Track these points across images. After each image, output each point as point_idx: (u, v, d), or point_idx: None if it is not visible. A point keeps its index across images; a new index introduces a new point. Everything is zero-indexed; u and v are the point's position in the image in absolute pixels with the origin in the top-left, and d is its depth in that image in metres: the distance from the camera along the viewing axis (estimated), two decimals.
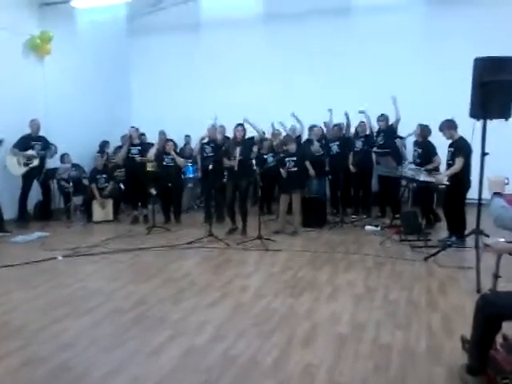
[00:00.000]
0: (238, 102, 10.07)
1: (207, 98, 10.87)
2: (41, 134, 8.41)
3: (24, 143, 8.09)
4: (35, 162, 8.07)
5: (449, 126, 6.15)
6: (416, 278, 5.01)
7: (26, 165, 7.99)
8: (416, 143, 7.34)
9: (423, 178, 6.30)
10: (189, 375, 3.01)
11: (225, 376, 2.99)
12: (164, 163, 8.20)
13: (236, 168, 7.05)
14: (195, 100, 11.05)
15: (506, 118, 4.88)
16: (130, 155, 8.37)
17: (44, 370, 3.09)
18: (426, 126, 7.12)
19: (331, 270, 5.33)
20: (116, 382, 2.93)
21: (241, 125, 7.24)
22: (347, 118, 8.65)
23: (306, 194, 8.00)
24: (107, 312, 4.13)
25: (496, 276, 3.17)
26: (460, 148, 6.08)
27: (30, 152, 8.04)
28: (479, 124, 4.96)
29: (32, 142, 8.20)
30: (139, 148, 8.41)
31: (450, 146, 6.27)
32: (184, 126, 10.45)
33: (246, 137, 7.42)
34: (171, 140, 8.53)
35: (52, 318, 3.99)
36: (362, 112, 8.40)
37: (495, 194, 2.72)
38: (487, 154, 5.00)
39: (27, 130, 8.26)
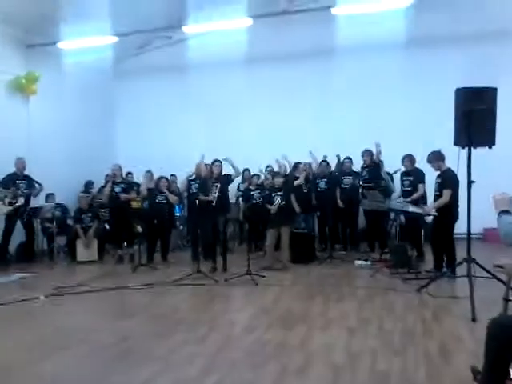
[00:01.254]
0: (223, 141, 10.18)
1: (193, 137, 10.95)
2: (25, 173, 8.33)
3: (9, 182, 7.98)
4: (20, 201, 7.91)
5: (437, 157, 6.20)
6: (409, 309, 4.91)
7: (10, 204, 7.82)
8: (405, 173, 7.39)
9: (411, 209, 6.31)
10: None
11: None
12: (156, 200, 8.09)
13: (214, 203, 7.00)
14: (181, 140, 11.11)
15: (490, 146, 4.96)
16: (113, 193, 8.27)
17: None
18: (412, 155, 7.24)
19: (323, 303, 5.20)
20: None
21: (218, 161, 7.28)
22: (338, 160, 8.71)
23: (294, 228, 7.93)
24: (90, 349, 3.93)
25: (506, 299, 3.06)
26: (447, 179, 6.11)
27: (17, 192, 7.92)
28: (464, 152, 5.04)
29: (17, 180, 8.09)
30: (122, 186, 8.32)
31: (438, 177, 6.31)
32: (169, 166, 10.39)
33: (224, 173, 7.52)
34: (165, 177, 8.43)
35: (34, 357, 3.78)
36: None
37: (502, 212, 2.62)
38: (473, 182, 5.04)
39: (9, 169, 8.15)
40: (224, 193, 7.36)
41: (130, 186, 8.50)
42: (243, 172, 10.00)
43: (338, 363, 3.47)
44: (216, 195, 7.02)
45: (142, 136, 11.58)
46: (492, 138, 4.89)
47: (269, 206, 7.31)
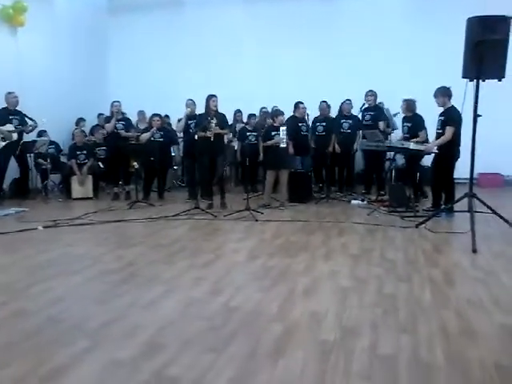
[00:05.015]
0: (221, 79, 9.94)
1: (188, 76, 10.68)
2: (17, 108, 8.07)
3: (1, 117, 7.74)
4: (14, 137, 7.73)
5: (444, 92, 6.08)
6: (410, 241, 4.95)
7: (3, 139, 7.64)
8: (404, 118, 7.26)
9: (413, 146, 6.25)
10: (192, 323, 2.86)
11: (230, 323, 2.84)
12: (152, 138, 7.92)
13: (212, 138, 6.84)
14: (175, 79, 10.82)
15: (499, 79, 4.86)
16: (114, 130, 8.10)
17: (33, 322, 2.88)
18: (411, 100, 7.10)
19: (324, 235, 5.23)
20: (114, 331, 2.75)
21: (214, 95, 7.06)
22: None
23: (291, 170, 7.88)
24: (96, 272, 3.93)
25: None
26: (451, 117, 6.04)
27: (8, 126, 7.71)
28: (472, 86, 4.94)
29: (9, 116, 7.85)
30: (123, 123, 8.14)
31: (441, 114, 6.22)
32: (163, 105, 10.15)
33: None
34: (158, 115, 8.24)
35: (38, 277, 3.77)
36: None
37: None
38: (480, 115, 4.98)
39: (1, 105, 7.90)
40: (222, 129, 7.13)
41: (130, 122, 8.32)
42: (235, 113, 9.84)
43: (345, 286, 3.50)
44: (213, 131, 6.83)
45: (136, 73, 11.25)
46: (502, 71, 4.78)
47: (277, 138, 7.14)
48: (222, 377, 2.22)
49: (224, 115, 7.32)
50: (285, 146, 7.04)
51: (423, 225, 5.59)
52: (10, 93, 7.92)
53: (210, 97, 7.08)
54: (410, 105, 7.17)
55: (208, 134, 6.87)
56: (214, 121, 6.88)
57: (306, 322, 2.87)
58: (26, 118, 8.03)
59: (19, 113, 8.01)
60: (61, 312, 3.04)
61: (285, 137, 6.97)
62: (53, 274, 3.85)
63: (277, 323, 2.84)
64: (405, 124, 7.26)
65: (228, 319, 2.90)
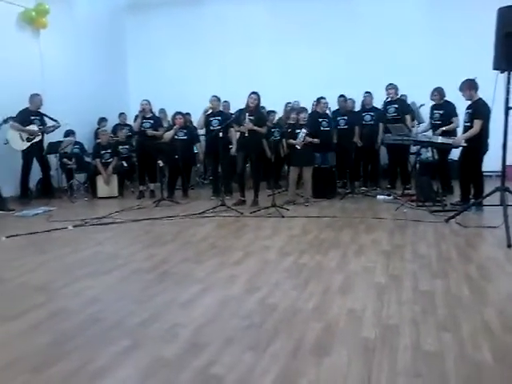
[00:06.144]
0: (241, 77, 9.93)
1: (207, 73, 10.71)
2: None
3: (24, 118, 7.83)
4: (37, 138, 7.84)
5: (470, 85, 6.00)
6: (441, 237, 4.89)
7: (28, 140, 7.75)
8: (435, 106, 7.20)
9: (441, 140, 6.17)
10: (230, 320, 2.86)
11: (268, 320, 2.84)
12: (176, 137, 7.95)
13: (247, 134, 6.81)
14: (195, 76, 10.85)
15: None
16: (141, 128, 8.15)
17: (74, 322, 2.92)
18: (441, 88, 7.06)
19: (353, 232, 5.20)
20: (155, 330, 2.77)
21: (255, 93, 7.00)
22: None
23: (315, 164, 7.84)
24: (130, 271, 3.95)
25: None
26: (479, 110, 5.95)
27: (32, 127, 7.82)
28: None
29: (31, 116, 7.95)
30: (151, 122, 8.19)
31: (468, 107, 6.13)
32: (184, 103, 10.17)
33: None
34: (180, 113, 8.25)
35: (73, 277, 3.81)
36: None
37: None
38: (511, 108, 4.88)
39: (23, 106, 7.96)
40: (259, 126, 6.99)
41: (158, 120, 8.37)
42: None
43: (381, 283, 3.47)
44: (247, 126, 6.79)
45: (155, 72, 11.31)
46: None
47: (293, 141, 7.15)
48: (267, 375, 2.22)
49: (262, 113, 7.27)
50: (299, 147, 7.04)
51: (453, 219, 5.51)
52: (37, 94, 8.00)
53: (250, 94, 7.01)
54: (441, 92, 7.17)
55: (242, 128, 6.87)
56: (251, 116, 6.84)
57: (345, 319, 2.85)
58: (47, 118, 8.10)
59: (40, 113, 8.09)
60: (100, 311, 3.07)
61: (302, 139, 6.95)
62: (87, 274, 3.89)
63: (316, 320, 2.82)
64: (435, 112, 7.19)
65: (266, 317, 2.89)
